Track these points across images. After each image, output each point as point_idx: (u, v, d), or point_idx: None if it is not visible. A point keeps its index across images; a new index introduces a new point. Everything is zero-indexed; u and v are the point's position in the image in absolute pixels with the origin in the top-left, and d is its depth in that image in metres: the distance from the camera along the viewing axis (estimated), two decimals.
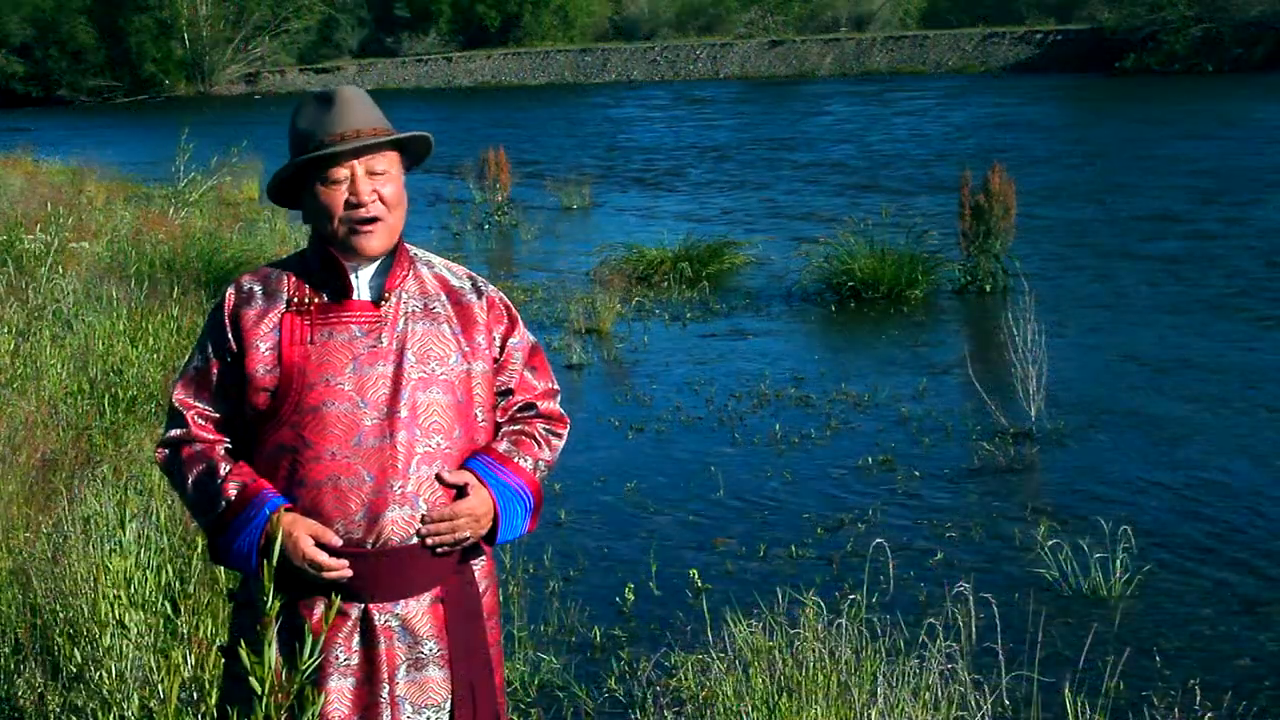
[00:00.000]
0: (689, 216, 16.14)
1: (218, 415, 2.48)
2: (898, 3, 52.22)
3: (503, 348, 2.57)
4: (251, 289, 2.48)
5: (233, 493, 2.40)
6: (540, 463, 2.59)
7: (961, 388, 8.11)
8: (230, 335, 2.44)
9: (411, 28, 56.76)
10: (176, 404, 2.50)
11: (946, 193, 15.17)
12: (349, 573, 2.37)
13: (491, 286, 2.61)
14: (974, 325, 10.35)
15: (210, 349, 2.47)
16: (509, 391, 2.60)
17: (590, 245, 13.89)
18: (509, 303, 2.62)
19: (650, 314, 10.84)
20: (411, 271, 2.51)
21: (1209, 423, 7.33)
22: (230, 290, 2.49)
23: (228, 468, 2.43)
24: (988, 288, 10.93)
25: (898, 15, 51.77)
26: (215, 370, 2.46)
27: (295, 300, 2.44)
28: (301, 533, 2.35)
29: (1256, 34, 36.06)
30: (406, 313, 2.45)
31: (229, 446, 2.48)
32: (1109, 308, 10.26)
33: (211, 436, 2.48)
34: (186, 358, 2.53)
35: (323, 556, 2.36)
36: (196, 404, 2.48)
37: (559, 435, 2.66)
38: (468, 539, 2.47)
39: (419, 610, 2.43)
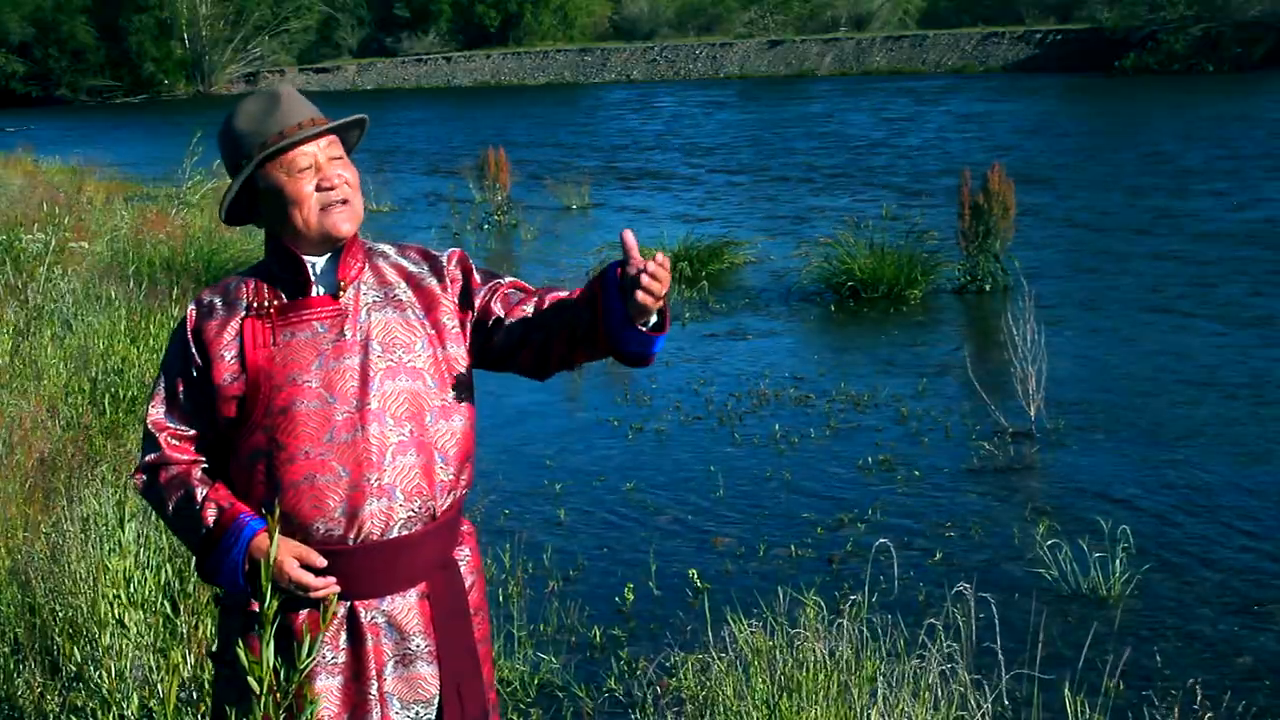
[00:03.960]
0: (689, 216, 16.14)
1: (192, 433, 2.47)
2: (898, 3, 52.20)
3: (464, 294, 2.50)
4: (212, 302, 2.47)
5: (211, 519, 2.40)
6: None
7: (961, 388, 8.11)
8: (194, 350, 2.44)
9: (411, 28, 56.77)
10: (150, 426, 2.48)
11: (946, 192, 15.17)
12: (336, 589, 2.37)
13: (449, 259, 2.53)
14: (974, 325, 10.35)
15: (177, 368, 2.47)
16: (500, 320, 2.49)
17: (590, 245, 13.88)
18: (463, 256, 2.55)
19: None
20: (368, 263, 2.49)
21: (1209, 422, 7.33)
22: (191, 307, 2.49)
23: (204, 491, 2.42)
24: (987, 287, 10.93)
25: (897, 15, 51.73)
26: (183, 388, 2.45)
27: (254, 305, 2.43)
28: (286, 556, 2.35)
29: (1256, 33, 36.03)
30: (367, 304, 2.44)
31: (205, 466, 2.48)
32: (1109, 308, 10.25)
33: (187, 458, 2.47)
34: (155, 379, 2.52)
35: (308, 578, 2.36)
36: (169, 424, 2.47)
37: None
38: (663, 304, 2.42)
39: (405, 606, 2.43)
